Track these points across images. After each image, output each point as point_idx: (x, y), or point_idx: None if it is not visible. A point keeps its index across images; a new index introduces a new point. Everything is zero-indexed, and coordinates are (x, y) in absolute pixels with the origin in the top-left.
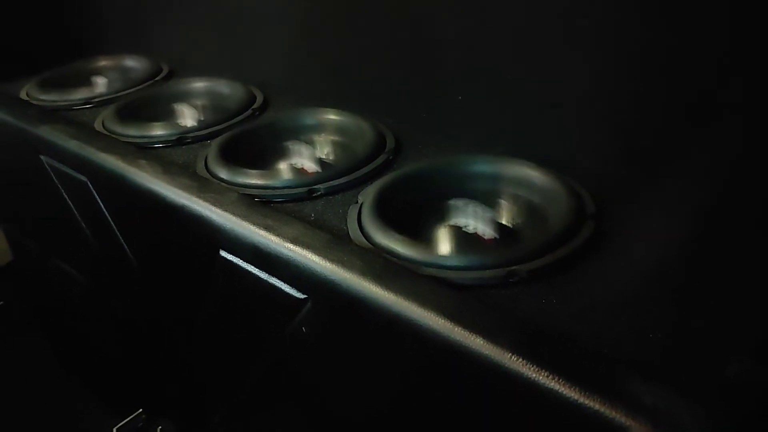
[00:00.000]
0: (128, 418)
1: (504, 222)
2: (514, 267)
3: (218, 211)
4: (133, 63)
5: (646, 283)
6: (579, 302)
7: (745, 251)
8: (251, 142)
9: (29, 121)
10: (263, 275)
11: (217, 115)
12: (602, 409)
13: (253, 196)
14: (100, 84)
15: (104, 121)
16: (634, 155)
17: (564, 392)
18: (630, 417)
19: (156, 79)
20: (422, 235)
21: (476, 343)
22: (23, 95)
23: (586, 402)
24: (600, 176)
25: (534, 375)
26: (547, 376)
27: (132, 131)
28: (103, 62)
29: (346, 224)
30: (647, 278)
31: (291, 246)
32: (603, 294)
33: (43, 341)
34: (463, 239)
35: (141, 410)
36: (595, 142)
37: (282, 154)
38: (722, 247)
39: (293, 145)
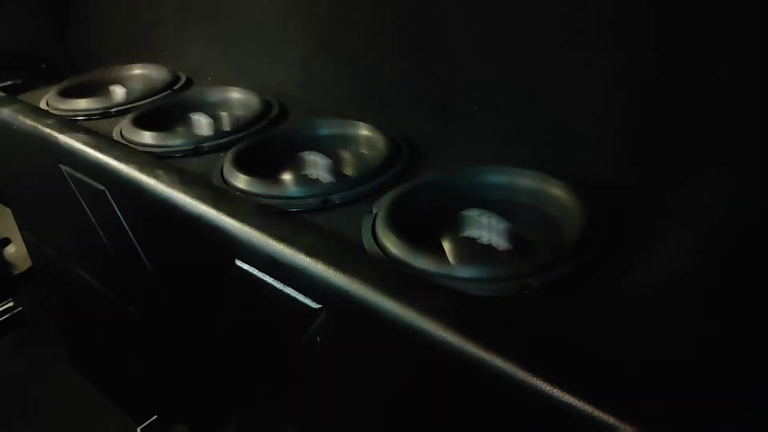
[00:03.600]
0: (148, 422)
1: (518, 233)
2: (527, 279)
3: (234, 221)
4: (151, 72)
5: (661, 295)
6: (593, 314)
7: (763, 263)
8: (267, 151)
9: (49, 130)
10: (278, 285)
11: (234, 125)
12: (616, 423)
13: (268, 206)
14: (119, 93)
15: (122, 130)
16: (650, 166)
17: (577, 405)
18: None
19: (174, 88)
20: (436, 246)
21: (489, 355)
22: (43, 104)
23: (600, 415)
24: (615, 187)
25: (547, 387)
26: (561, 389)
27: (149, 140)
28: (121, 71)
29: (360, 234)
30: (662, 290)
31: (306, 256)
32: (617, 306)
33: (60, 347)
34: (477, 250)
35: (156, 417)
36: (610, 153)
37: (298, 163)
38: (739, 259)
39: (309, 155)
